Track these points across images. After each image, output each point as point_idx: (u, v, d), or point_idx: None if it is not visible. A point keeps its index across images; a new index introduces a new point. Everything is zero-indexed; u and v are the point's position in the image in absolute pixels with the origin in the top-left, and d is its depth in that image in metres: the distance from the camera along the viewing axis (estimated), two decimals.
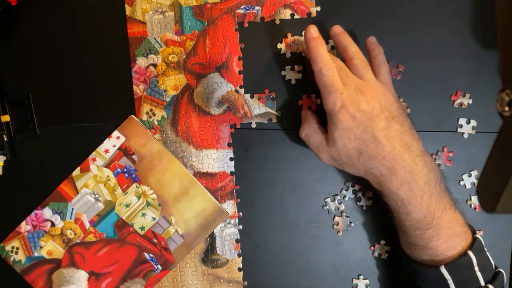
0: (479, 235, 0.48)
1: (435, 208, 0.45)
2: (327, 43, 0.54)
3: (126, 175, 0.55)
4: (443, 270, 0.45)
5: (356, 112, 0.44)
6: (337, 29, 0.50)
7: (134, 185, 0.55)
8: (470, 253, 0.45)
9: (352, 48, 0.48)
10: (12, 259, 0.56)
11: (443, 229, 0.45)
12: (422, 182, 0.44)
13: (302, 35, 0.54)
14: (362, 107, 0.44)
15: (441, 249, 0.46)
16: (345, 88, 0.45)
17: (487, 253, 0.48)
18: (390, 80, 0.50)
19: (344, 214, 0.56)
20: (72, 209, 0.55)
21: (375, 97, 0.45)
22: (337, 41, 0.50)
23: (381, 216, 0.56)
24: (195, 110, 0.55)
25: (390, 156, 0.44)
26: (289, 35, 0.54)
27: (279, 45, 0.55)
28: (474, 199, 0.56)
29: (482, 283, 0.46)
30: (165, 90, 0.55)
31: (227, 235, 0.56)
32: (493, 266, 0.48)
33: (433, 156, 0.55)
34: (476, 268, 0.45)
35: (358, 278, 0.56)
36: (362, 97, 0.45)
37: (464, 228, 0.47)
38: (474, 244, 0.46)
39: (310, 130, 0.50)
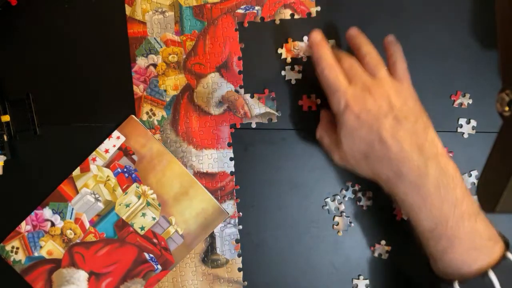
0: (510, 253, 0.41)
1: (448, 216, 0.41)
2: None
3: (126, 175, 0.55)
4: (457, 287, 0.41)
5: (362, 111, 0.42)
6: (352, 32, 0.49)
7: (134, 185, 0.55)
8: (491, 274, 0.39)
9: (365, 48, 0.47)
10: (12, 259, 0.56)
11: (458, 240, 0.41)
12: (431, 187, 0.41)
13: (302, 40, 0.54)
14: (368, 106, 0.42)
15: (456, 263, 0.41)
16: (351, 87, 0.43)
17: None
18: (407, 77, 0.47)
19: (344, 214, 0.56)
20: (72, 209, 0.55)
21: (384, 95, 0.43)
22: (352, 44, 0.49)
23: (381, 216, 0.56)
24: (195, 110, 0.55)
25: (397, 157, 0.41)
26: (290, 40, 0.54)
27: (279, 50, 0.55)
28: (474, 199, 0.56)
29: None
30: (165, 90, 0.55)
31: (227, 235, 0.56)
32: None
33: None
34: None
35: (358, 278, 0.56)
36: (370, 96, 0.42)
37: (488, 242, 0.41)
38: (500, 263, 0.40)
39: (322, 131, 0.49)
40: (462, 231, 0.41)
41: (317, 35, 0.47)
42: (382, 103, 0.42)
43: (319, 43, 0.46)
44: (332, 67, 0.45)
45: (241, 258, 0.56)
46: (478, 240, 0.41)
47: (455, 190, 0.42)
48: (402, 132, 0.42)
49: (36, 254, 0.56)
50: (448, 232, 0.41)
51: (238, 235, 0.56)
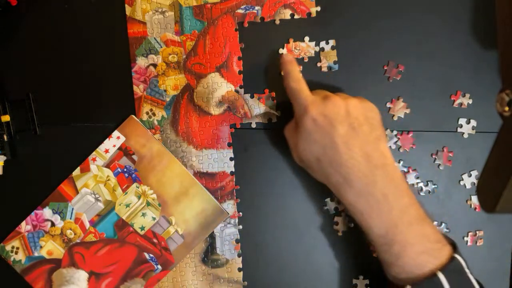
0: (458, 255, 0.43)
1: (397, 222, 0.42)
2: (327, 43, 0.54)
3: (126, 175, 0.55)
4: None
5: (319, 115, 0.44)
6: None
7: (134, 185, 0.55)
8: (440, 275, 0.41)
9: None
10: (12, 259, 0.56)
11: (410, 245, 0.42)
12: (379, 195, 0.42)
13: (304, 40, 0.54)
14: (325, 111, 0.44)
15: (409, 267, 0.42)
16: (313, 95, 0.46)
17: (470, 276, 0.43)
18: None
19: (344, 214, 0.56)
20: (72, 209, 0.55)
21: (343, 104, 0.44)
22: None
23: None
24: (195, 110, 0.55)
25: (346, 163, 0.43)
26: (291, 40, 0.54)
27: (281, 50, 0.55)
28: (474, 199, 0.56)
29: None
30: (165, 90, 0.55)
31: (227, 235, 0.56)
32: None
33: (433, 156, 0.55)
34: None
35: (358, 278, 0.56)
36: (329, 103, 0.44)
37: (437, 245, 0.43)
38: (448, 264, 0.41)
39: (288, 130, 0.50)
40: (412, 236, 0.42)
41: (289, 55, 0.51)
42: (340, 110, 0.44)
43: (290, 61, 0.50)
44: (298, 80, 0.48)
45: (241, 258, 0.56)
46: (427, 243, 0.43)
47: (402, 197, 0.43)
48: (355, 140, 0.43)
49: (36, 254, 0.56)
50: (399, 237, 0.42)
51: (238, 235, 0.56)
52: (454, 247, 0.44)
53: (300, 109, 0.46)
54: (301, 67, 0.54)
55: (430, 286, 0.41)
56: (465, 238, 0.56)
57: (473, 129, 0.55)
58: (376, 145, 0.44)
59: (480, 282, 0.45)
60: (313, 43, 0.54)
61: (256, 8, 0.54)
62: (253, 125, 0.55)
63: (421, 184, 0.56)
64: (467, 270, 0.43)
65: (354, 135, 0.43)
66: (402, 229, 0.42)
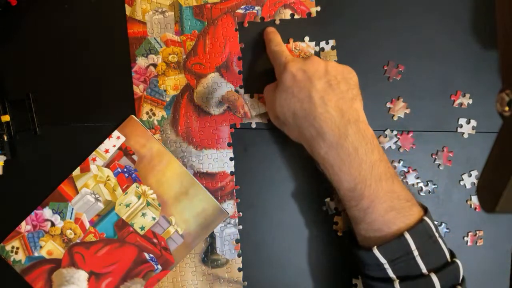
0: (429, 219, 0.44)
1: (367, 177, 0.43)
2: (327, 43, 0.54)
3: (126, 175, 0.55)
4: (376, 251, 0.42)
5: (298, 70, 0.46)
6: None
7: (134, 185, 0.55)
8: (407, 235, 0.42)
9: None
10: (12, 259, 0.56)
11: (378, 200, 0.43)
12: (351, 148, 0.43)
13: (304, 40, 0.54)
14: (304, 67, 0.46)
15: (377, 224, 0.43)
16: (294, 57, 0.49)
17: (440, 240, 0.44)
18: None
19: (344, 214, 0.56)
20: (72, 209, 0.55)
21: (322, 63, 0.46)
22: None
23: None
24: (195, 110, 0.55)
25: (320, 117, 0.44)
26: (291, 40, 0.54)
27: None
28: (474, 199, 0.56)
29: (424, 270, 0.42)
30: (165, 90, 0.55)
31: (227, 235, 0.56)
32: (447, 255, 0.44)
33: (433, 156, 0.55)
34: (416, 253, 0.42)
35: (358, 278, 0.56)
36: (309, 61, 0.46)
37: (406, 203, 0.44)
38: (417, 225, 0.42)
39: (268, 89, 0.51)
40: (381, 191, 0.43)
41: (272, 28, 0.53)
42: (319, 67, 0.46)
43: (272, 31, 0.53)
44: (279, 44, 0.51)
45: (241, 258, 0.56)
46: (396, 200, 0.44)
47: (372, 153, 0.44)
48: (331, 96, 0.45)
49: (36, 254, 0.56)
50: (367, 191, 0.43)
51: (238, 235, 0.56)
52: (425, 211, 0.45)
53: (280, 67, 0.48)
54: None
55: (396, 246, 0.42)
56: (465, 238, 0.56)
57: (473, 129, 0.55)
58: (351, 103, 0.45)
59: (451, 251, 0.46)
60: (313, 43, 0.54)
61: (256, 8, 0.54)
62: (253, 125, 0.55)
63: (421, 184, 0.56)
64: (436, 234, 0.44)
65: (331, 91, 0.45)
66: (371, 183, 0.43)
